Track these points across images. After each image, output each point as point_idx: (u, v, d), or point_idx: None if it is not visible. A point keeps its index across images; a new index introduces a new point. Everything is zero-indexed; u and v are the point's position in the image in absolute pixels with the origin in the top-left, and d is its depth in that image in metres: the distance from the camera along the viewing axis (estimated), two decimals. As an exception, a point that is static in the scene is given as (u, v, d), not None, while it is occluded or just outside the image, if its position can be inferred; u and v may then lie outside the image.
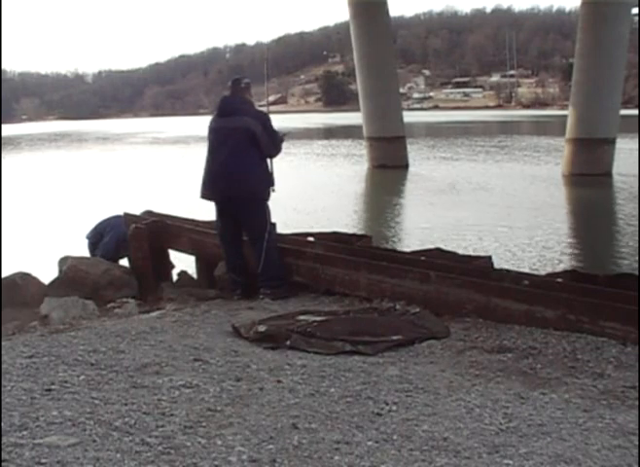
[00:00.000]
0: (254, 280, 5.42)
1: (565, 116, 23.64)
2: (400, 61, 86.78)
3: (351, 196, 18.15)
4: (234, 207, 5.37)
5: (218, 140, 5.37)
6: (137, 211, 6.87)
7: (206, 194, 5.45)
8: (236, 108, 5.37)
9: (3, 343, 3.62)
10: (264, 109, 6.20)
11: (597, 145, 20.83)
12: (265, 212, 5.40)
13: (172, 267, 6.49)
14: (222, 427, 2.54)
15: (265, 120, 5.42)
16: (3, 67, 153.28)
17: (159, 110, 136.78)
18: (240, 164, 5.27)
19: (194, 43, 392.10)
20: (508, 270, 5.30)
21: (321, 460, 2.31)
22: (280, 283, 5.33)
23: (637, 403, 3.03)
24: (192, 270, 6.41)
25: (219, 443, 2.39)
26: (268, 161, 5.51)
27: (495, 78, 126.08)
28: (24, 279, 5.69)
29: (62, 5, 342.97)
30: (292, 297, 5.23)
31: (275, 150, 5.50)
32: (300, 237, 6.13)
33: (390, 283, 4.80)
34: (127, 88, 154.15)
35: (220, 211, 5.48)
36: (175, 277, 6.36)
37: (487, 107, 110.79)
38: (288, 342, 3.87)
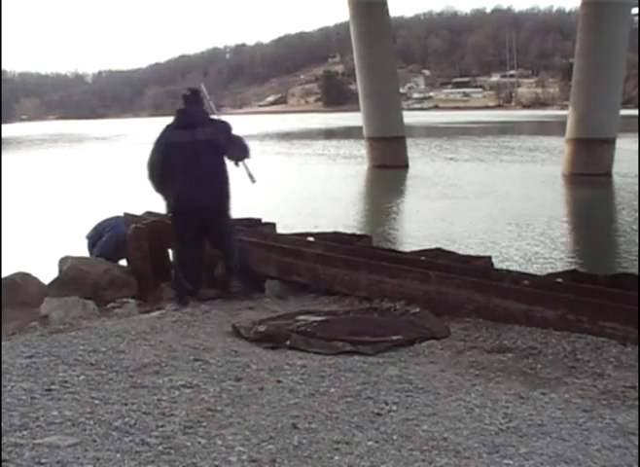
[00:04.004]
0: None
1: (565, 116, 23.63)
2: (400, 61, 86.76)
3: (351, 195, 18.14)
4: (208, 222, 5.24)
5: (187, 155, 5.07)
6: (137, 211, 6.86)
7: (180, 209, 5.20)
8: (200, 120, 5.20)
9: (3, 343, 3.62)
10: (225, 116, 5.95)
11: (597, 145, 20.84)
12: (232, 225, 5.46)
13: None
14: (222, 427, 2.54)
15: (228, 128, 5.28)
16: (3, 67, 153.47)
17: (158, 110, 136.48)
18: (216, 179, 5.19)
19: (194, 43, 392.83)
20: (508, 270, 5.30)
21: (321, 460, 2.31)
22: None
23: (637, 403, 3.03)
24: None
25: (219, 443, 2.39)
26: (245, 162, 5.39)
27: (495, 78, 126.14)
28: (24, 279, 5.69)
29: (62, 5, 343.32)
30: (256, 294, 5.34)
31: (245, 151, 5.35)
32: (300, 237, 6.13)
33: (390, 283, 4.80)
34: (127, 88, 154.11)
35: (183, 226, 5.27)
36: (175, 277, 6.35)
37: (487, 107, 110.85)
38: (288, 342, 3.87)
